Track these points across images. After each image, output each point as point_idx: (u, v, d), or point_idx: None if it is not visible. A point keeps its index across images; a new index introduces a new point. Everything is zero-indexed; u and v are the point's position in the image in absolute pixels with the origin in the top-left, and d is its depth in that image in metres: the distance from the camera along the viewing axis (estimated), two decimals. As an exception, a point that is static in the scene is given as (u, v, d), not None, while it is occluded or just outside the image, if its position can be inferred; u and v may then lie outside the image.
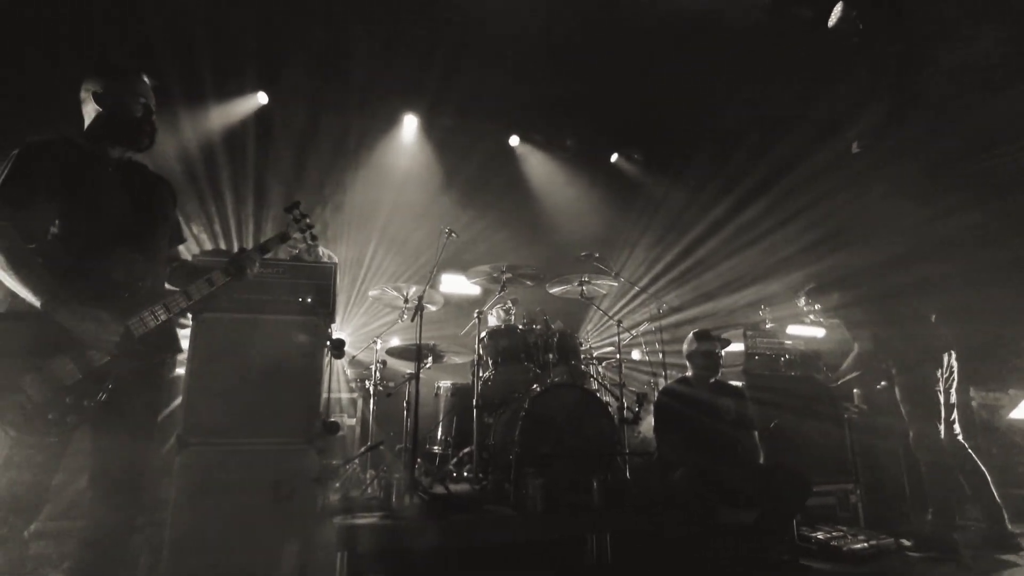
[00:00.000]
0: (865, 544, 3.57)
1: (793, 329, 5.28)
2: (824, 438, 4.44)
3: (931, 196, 5.38)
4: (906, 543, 3.75)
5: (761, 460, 3.79)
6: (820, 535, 3.67)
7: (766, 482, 3.50)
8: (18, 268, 1.91)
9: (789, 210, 6.70)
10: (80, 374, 1.94)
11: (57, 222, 2.04)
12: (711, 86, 6.21)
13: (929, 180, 5.49)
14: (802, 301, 4.68)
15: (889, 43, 5.24)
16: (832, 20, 5.04)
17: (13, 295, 1.95)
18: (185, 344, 2.64)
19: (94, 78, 2.23)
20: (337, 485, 3.74)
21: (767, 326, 5.12)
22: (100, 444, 2.10)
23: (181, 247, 2.59)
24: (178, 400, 2.80)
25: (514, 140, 7.64)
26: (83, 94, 2.24)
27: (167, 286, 2.41)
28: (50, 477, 1.99)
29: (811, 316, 4.69)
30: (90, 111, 2.24)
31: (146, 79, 2.31)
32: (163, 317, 2.14)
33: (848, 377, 4.45)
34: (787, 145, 6.38)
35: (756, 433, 3.87)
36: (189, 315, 2.83)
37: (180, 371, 2.93)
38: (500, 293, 5.06)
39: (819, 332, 5.27)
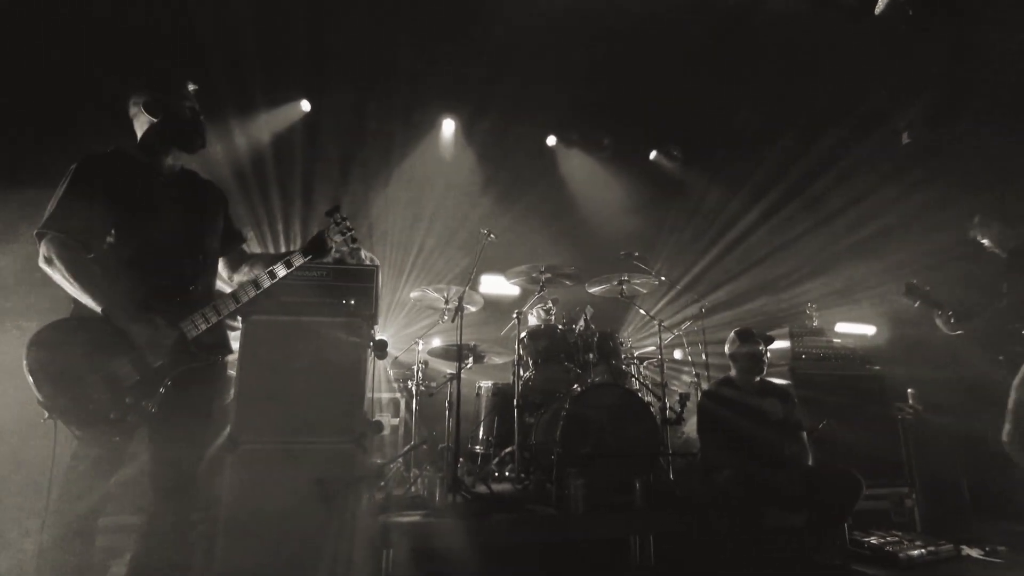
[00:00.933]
0: (923, 550, 3.43)
1: (842, 327, 5.12)
2: (876, 439, 4.29)
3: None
4: (969, 550, 3.59)
5: (810, 462, 3.68)
6: (874, 540, 3.55)
7: (815, 484, 3.40)
8: (79, 276, 2.02)
9: (834, 205, 6.49)
10: (138, 375, 2.04)
11: (113, 231, 2.14)
12: (751, 79, 6.06)
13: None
14: (976, 232, 4.25)
15: (940, 29, 5.01)
16: (879, 7, 4.84)
17: (76, 301, 2.07)
18: (236, 345, 2.74)
19: (140, 90, 2.33)
20: (382, 484, 3.81)
21: (814, 324, 4.98)
22: (158, 443, 2.20)
23: (245, 245, 2.69)
24: (229, 400, 2.91)
25: (551, 140, 7.63)
26: (132, 108, 2.34)
27: (242, 280, 2.51)
28: (113, 474, 2.09)
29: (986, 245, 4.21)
30: (142, 122, 2.33)
31: (189, 84, 2.40)
32: (214, 319, 2.23)
33: (969, 326, 4.02)
34: (831, 138, 6.18)
35: (804, 434, 3.77)
36: (239, 317, 2.94)
37: (231, 372, 3.03)
38: (539, 293, 5.06)
39: (870, 329, 5.09)
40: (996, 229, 4.11)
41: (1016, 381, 3.65)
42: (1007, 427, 3.64)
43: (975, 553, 3.58)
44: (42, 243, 2.06)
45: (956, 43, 5.14)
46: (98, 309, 2.00)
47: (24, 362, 1.91)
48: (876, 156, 6.04)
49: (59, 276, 2.03)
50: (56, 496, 1.97)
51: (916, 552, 3.40)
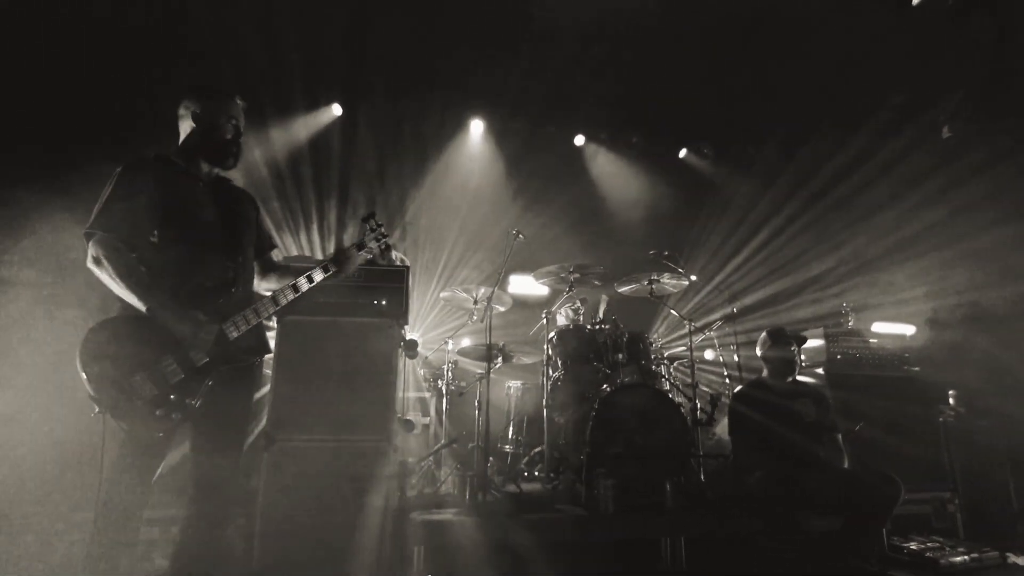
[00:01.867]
0: (966, 557, 3.32)
1: (879, 327, 4.99)
2: (916, 442, 4.17)
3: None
4: (1015, 558, 3.46)
5: (845, 464, 3.60)
6: (913, 545, 3.45)
7: (851, 487, 3.32)
8: (125, 277, 2.11)
9: (871, 202, 6.32)
10: (183, 373, 2.11)
11: (156, 232, 2.22)
12: (784, 74, 5.95)
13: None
14: None
15: (982, 19, 4.83)
16: None
17: (122, 300, 2.15)
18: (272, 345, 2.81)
19: (192, 98, 2.41)
20: (413, 481, 3.86)
21: (850, 324, 4.86)
22: (199, 439, 2.27)
23: (274, 252, 2.76)
24: (266, 398, 2.98)
25: (579, 139, 7.61)
26: (181, 111, 2.42)
27: (270, 288, 2.58)
28: (157, 468, 2.17)
29: None
30: (186, 128, 2.42)
31: (239, 101, 2.48)
32: (254, 321, 2.29)
33: None
34: (867, 133, 6.02)
35: (839, 436, 3.69)
36: (274, 319, 3.01)
37: (268, 371, 3.11)
38: (568, 293, 5.06)
39: (908, 329, 4.95)
40: None
41: None
42: None
43: (1022, 561, 3.45)
44: (90, 243, 2.15)
45: (999, 32, 4.96)
46: (143, 308, 2.08)
47: (77, 359, 2.00)
48: (915, 151, 5.85)
49: (106, 276, 2.12)
50: (104, 489, 2.05)
51: (959, 559, 3.29)
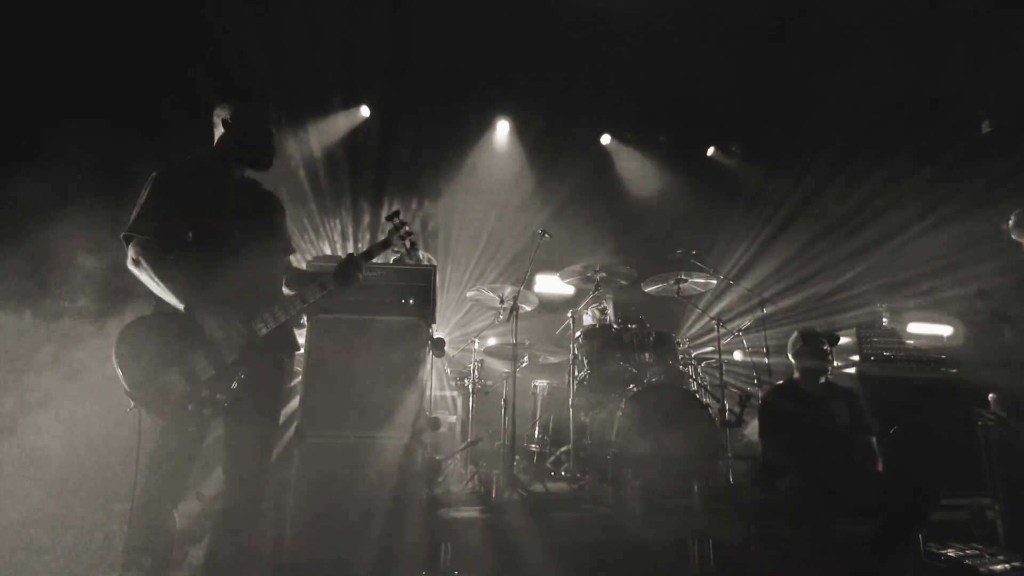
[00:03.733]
0: (1007, 565, 3.22)
1: (915, 327, 4.85)
2: (954, 447, 4.05)
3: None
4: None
5: (879, 468, 3.51)
6: (951, 553, 3.35)
7: (886, 491, 3.24)
8: (164, 277, 2.17)
9: (906, 199, 6.16)
10: (213, 369, 2.16)
11: (190, 234, 2.28)
12: (813, 70, 5.83)
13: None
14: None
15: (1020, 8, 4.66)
16: None
17: (157, 298, 2.21)
18: (301, 343, 2.86)
19: (226, 103, 2.47)
20: (440, 479, 3.89)
21: (884, 324, 4.74)
22: (231, 434, 2.32)
23: (292, 256, 2.80)
24: (297, 395, 3.04)
25: (606, 138, 7.58)
26: (216, 113, 2.49)
27: (284, 291, 2.63)
28: (191, 462, 2.23)
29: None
30: (218, 132, 2.49)
31: (271, 106, 2.53)
32: (282, 318, 2.33)
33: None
34: (900, 129, 5.86)
35: (873, 439, 3.60)
36: (305, 317, 3.06)
37: (298, 368, 3.17)
38: (594, 293, 5.04)
39: (946, 330, 4.81)
40: None
41: None
42: None
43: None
44: (129, 246, 2.22)
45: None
46: (181, 306, 2.13)
47: (113, 355, 2.06)
48: (953, 148, 5.68)
49: (146, 276, 2.18)
50: (141, 481, 2.11)
51: (999, 567, 3.19)
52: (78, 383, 3.47)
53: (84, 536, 3.00)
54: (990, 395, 4.27)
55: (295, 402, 3.09)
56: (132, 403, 2.05)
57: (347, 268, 2.54)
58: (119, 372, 2.05)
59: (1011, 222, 3.89)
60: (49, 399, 3.49)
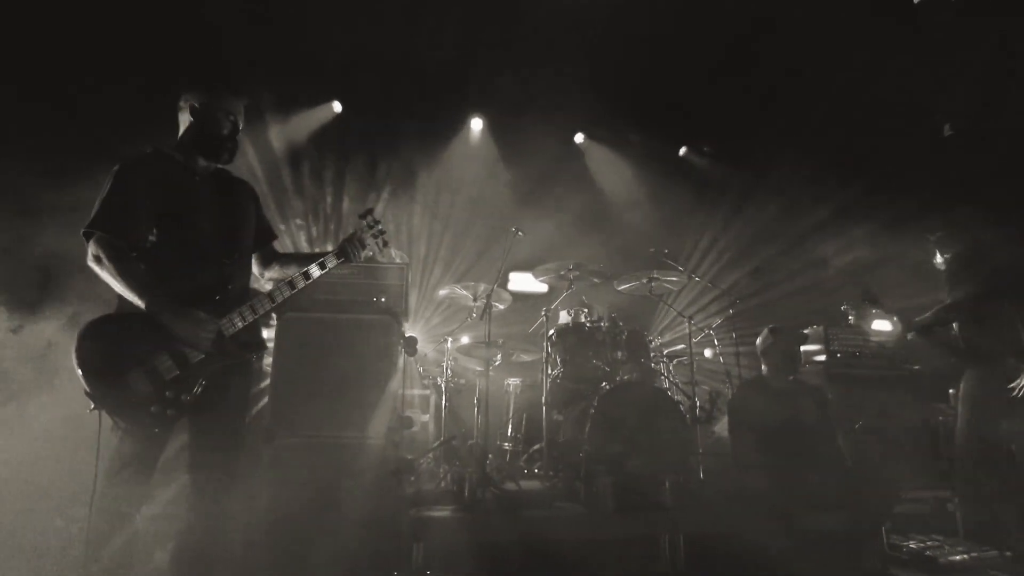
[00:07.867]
0: (965, 556, 3.32)
1: (879, 324, 4.97)
2: (916, 441, 4.17)
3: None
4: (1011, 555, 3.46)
5: (845, 463, 3.60)
6: (913, 544, 3.45)
7: (851, 486, 3.33)
8: (125, 274, 2.09)
9: (873, 201, 6.30)
10: (177, 370, 2.10)
11: (155, 230, 2.21)
12: (781, 70, 5.94)
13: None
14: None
15: (987, 17, 4.80)
16: None
17: (120, 297, 2.14)
18: (270, 343, 2.80)
19: (193, 91, 2.39)
20: (412, 478, 3.85)
21: (849, 322, 4.85)
22: (197, 436, 2.27)
23: (275, 243, 2.73)
24: (266, 396, 2.98)
25: (579, 137, 7.61)
26: (180, 104, 2.40)
27: (273, 278, 2.57)
28: (155, 464, 2.17)
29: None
30: (184, 121, 2.40)
31: (243, 101, 2.46)
32: (250, 318, 2.28)
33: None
34: (868, 134, 6.00)
35: (839, 435, 3.69)
36: (274, 315, 3.00)
37: (267, 368, 3.11)
38: (568, 291, 5.05)
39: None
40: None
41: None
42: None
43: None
44: (90, 242, 2.14)
45: (1003, 31, 4.93)
46: (142, 305, 2.06)
47: (73, 355, 1.99)
48: (915, 150, 5.82)
49: (106, 274, 2.11)
50: (101, 484, 2.05)
51: (958, 557, 3.29)
52: (37, 383, 3.35)
53: (41, 541, 2.90)
54: (950, 391, 4.39)
55: (264, 402, 3.04)
56: (92, 404, 1.98)
57: (349, 245, 2.51)
58: (79, 372, 1.98)
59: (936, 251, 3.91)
60: (8, 399, 3.36)
